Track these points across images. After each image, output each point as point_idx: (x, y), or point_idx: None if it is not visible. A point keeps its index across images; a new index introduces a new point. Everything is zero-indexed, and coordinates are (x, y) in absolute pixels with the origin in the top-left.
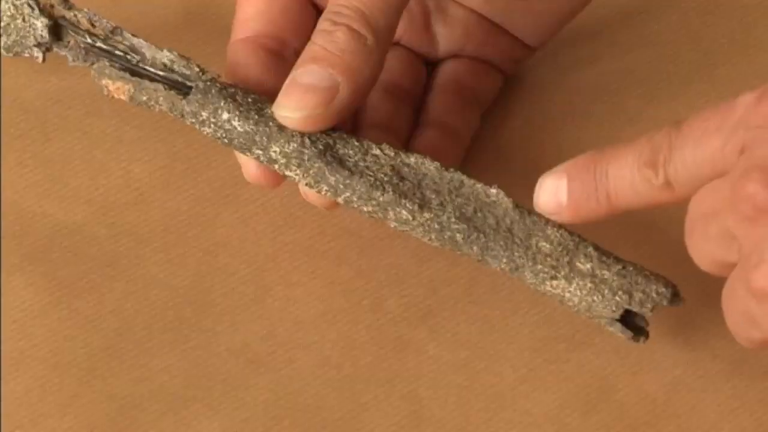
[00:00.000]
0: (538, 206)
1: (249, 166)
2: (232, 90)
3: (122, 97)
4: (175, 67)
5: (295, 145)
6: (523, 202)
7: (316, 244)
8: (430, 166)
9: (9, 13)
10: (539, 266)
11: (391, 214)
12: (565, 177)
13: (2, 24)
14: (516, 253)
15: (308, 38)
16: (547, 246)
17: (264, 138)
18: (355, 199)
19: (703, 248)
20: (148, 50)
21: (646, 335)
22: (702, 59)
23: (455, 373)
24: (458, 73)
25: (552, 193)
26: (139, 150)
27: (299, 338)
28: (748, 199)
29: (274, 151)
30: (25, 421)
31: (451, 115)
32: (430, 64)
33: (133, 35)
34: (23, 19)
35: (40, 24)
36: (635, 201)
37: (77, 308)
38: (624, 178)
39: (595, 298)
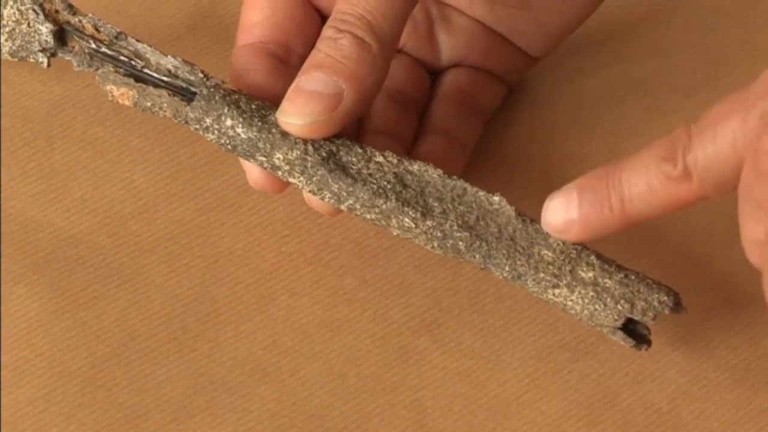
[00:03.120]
0: (546, 226)
1: (253, 172)
2: (236, 96)
3: (126, 102)
4: (180, 72)
5: (299, 152)
6: (526, 211)
7: (320, 254)
8: (433, 174)
9: (14, 19)
10: (541, 275)
11: (393, 221)
12: (575, 192)
13: (7, 29)
14: (518, 262)
15: (313, 45)
16: (550, 254)
17: (267, 145)
18: (358, 206)
19: (744, 233)
20: (153, 56)
21: (649, 343)
22: (706, 69)
23: (459, 382)
24: (461, 82)
25: (561, 210)
26: (143, 160)
27: (303, 348)
28: (764, 154)
29: (278, 158)
30: (29, 431)
31: (453, 124)
32: (433, 73)
33: (137, 41)
34: (28, 25)
35: (45, 29)
36: (651, 202)
37: (81, 318)
38: (639, 178)
39: (597, 306)
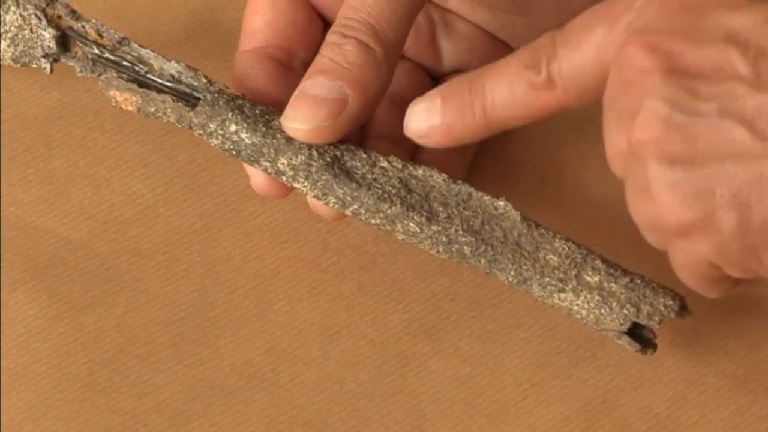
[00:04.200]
0: (407, 131)
1: (257, 177)
2: (240, 101)
3: (130, 108)
4: (183, 78)
5: (303, 157)
6: (529, 215)
7: (319, 260)
8: (437, 179)
9: (17, 24)
10: (547, 279)
11: (398, 226)
12: (438, 98)
13: (10, 35)
14: (524, 266)
15: (316, 50)
16: (555, 259)
17: (272, 150)
18: (362, 211)
19: (608, 143)
20: (156, 61)
21: (654, 348)
22: None
23: (458, 388)
24: None
25: (424, 116)
26: (142, 166)
27: (302, 353)
28: (628, 64)
29: (282, 163)
30: None
31: None
32: (435, 78)
33: (140, 46)
34: (31, 30)
35: (48, 35)
36: (514, 108)
37: (80, 323)
38: (502, 85)
39: (602, 311)
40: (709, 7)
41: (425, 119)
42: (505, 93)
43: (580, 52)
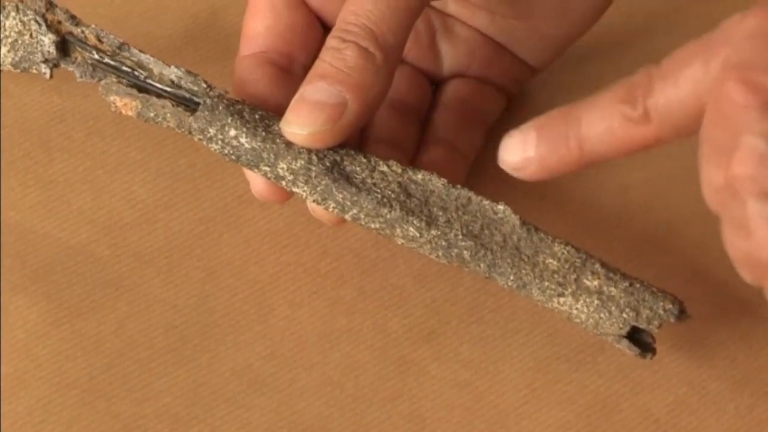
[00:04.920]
0: (502, 163)
1: (256, 182)
2: (240, 106)
3: (130, 113)
4: (183, 83)
5: (303, 161)
6: (528, 220)
7: (319, 265)
8: (437, 183)
9: (17, 30)
10: (546, 283)
11: (398, 231)
12: (533, 131)
13: (10, 40)
14: (523, 271)
15: (316, 54)
16: (554, 263)
17: (271, 154)
18: (362, 216)
19: (703, 178)
20: (156, 66)
21: (654, 352)
22: None
23: (458, 393)
24: (462, 92)
25: (518, 148)
26: (142, 170)
27: (302, 358)
28: (726, 99)
29: (282, 168)
30: None
31: (455, 134)
32: (435, 83)
33: (140, 51)
34: (30, 36)
35: (48, 40)
36: (609, 142)
37: (80, 328)
38: (598, 119)
39: (602, 315)
40: None
41: (519, 152)
42: (600, 127)
43: (676, 87)
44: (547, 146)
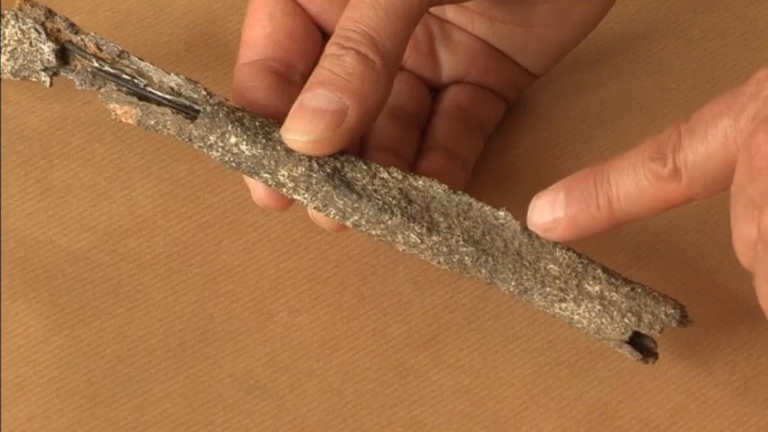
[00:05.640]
0: (531, 224)
1: (257, 189)
2: (240, 114)
3: (130, 121)
4: (183, 90)
5: (303, 168)
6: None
7: (319, 271)
8: (438, 189)
9: (16, 38)
10: (548, 289)
11: (399, 237)
12: (562, 191)
13: (9, 48)
14: (524, 276)
15: (315, 61)
16: (556, 268)
17: (272, 162)
18: (363, 222)
19: (735, 233)
20: (156, 74)
21: (656, 357)
22: (704, 86)
23: (458, 399)
24: (461, 98)
25: (547, 209)
26: (142, 177)
27: (302, 365)
28: (759, 153)
29: (282, 175)
30: None
31: (454, 141)
32: (434, 90)
33: (140, 59)
34: (30, 44)
35: (47, 48)
36: (639, 201)
37: (80, 335)
38: (628, 177)
39: (604, 320)
40: None
41: (549, 212)
42: (630, 185)
43: (706, 143)
44: (577, 206)
